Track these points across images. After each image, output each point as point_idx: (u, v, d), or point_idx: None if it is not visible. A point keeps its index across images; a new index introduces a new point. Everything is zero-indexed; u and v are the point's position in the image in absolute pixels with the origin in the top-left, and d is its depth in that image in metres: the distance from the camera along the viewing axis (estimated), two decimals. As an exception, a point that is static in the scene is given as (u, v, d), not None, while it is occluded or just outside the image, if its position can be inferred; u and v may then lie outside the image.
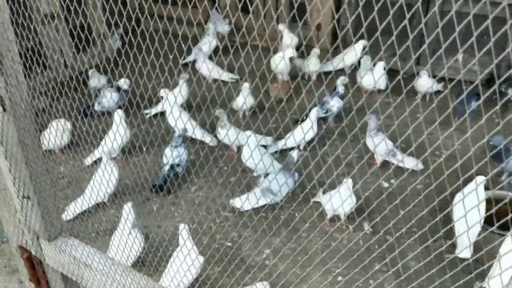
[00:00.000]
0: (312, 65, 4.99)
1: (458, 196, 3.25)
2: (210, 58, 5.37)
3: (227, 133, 4.04)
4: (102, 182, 3.34)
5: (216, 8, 6.07)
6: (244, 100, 4.37)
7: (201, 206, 3.69)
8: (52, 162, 4.06)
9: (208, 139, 4.30)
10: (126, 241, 2.79)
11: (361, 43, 5.01)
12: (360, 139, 3.75)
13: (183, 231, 2.90)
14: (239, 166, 4.00)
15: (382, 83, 4.69)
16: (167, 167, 3.84)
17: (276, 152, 4.13)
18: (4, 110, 1.04)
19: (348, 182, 3.31)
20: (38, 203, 1.18)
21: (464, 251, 3.02)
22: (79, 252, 1.19)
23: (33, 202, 1.17)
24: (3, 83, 1.02)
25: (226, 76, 5.13)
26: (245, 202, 3.52)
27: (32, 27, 1.81)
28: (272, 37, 5.72)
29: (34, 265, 1.29)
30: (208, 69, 4.92)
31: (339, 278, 3.18)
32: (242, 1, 5.91)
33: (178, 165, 3.85)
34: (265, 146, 4.16)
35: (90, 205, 3.55)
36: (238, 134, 3.78)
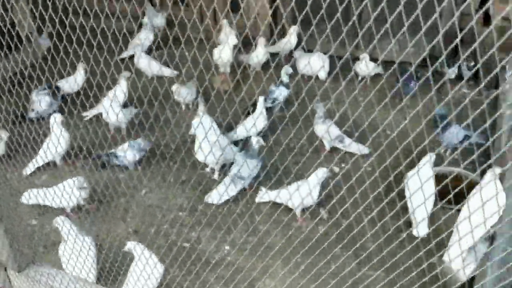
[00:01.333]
0: (261, 54, 4.96)
1: (409, 174, 3.34)
2: (149, 52, 5.21)
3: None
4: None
5: (150, 1, 5.88)
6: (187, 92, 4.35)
7: (154, 208, 3.56)
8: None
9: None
10: (80, 249, 2.63)
11: (293, 28, 5.09)
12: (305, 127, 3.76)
13: (136, 247, 2.76)
14: (188, 164, 3.90)
15: (322, 74, 4.76)
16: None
17: (235, 143, 4.06)
18: None
19: (319, 172, 3.31)
20: (5, 230, 1.08)
21: (420, 228, 3.11)
22: (57, 280, 1.09)
23: None
24: None
25: (166, 71, 4.98)
26: (222, 195, 3.47)
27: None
28: (208, 29, 5.62)
29: None
30: (147, 64, 4.78)
31: (302, 267, 3.17)
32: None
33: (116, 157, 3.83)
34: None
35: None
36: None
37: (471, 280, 2.72)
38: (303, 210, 3.47)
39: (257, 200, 3.50)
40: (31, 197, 3.47)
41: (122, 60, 5.22)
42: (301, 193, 3.14)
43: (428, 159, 3.26)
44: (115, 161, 3.83)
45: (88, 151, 3.60)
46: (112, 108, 3.92)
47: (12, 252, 1.09)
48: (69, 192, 3.22)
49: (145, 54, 5.02)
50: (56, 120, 3.77)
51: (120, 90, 4.33)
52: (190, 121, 3.94)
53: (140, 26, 5.61)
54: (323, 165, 3.84)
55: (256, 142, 3.57)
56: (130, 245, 2.77)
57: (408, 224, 3.27)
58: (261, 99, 4.14)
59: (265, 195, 3.46)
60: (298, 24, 4.99)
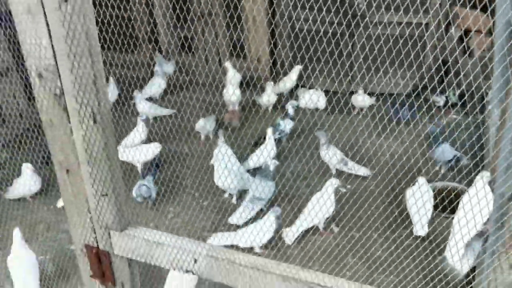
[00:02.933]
0: (272, 97, 5.50)
1: (408, 192, 3.79)
2: (164, 96, 5.76)
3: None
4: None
5: (159, 51, 6.43)
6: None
7: (182, 231, 3.94)
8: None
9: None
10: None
11: (297, 68, 5.61)
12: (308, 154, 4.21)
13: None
14: (210, 190, 4.31)
15: (322, 103, 5.31)
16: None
17: (248, 171, 4.45)
18: (95, 122, 1.32)
19: (331, 182, 3.71)
20: (115, 198, 1.44)
21: (420, 230, 3.54)
22: (150, 234, 1.47)
23: (110, 199, 1.42)
24: (96, 101, 1.30)
25: (164, 111, 5.48)
26: (241, 215, 3.86)
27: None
28: (215, 72, 6.16)
29: (101, 258, 1.54)
30: (147, 107, 5.34)
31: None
32: (182, 43, 6.35)
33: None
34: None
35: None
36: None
37: (471, 275, 3.10)
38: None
39: (288, 242, 3.75)
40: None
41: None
42: (321, 203, 3.53)
43: (421, 183, 3.73)
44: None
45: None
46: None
47: (117, 216, 1.47)
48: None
49: (144, 99, 5.50)
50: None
51: (138, 132, 4.79)
52: (209, 152, 4.38)
53: (152, 74, 6.13)
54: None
55: (272, 163, 3.98)
56: None
57: (411, 232, 3.67)
58: (269, 130, 4.59)
59: (289, 233, 3.72)
60: (300, 64, 5.57)
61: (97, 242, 1.48)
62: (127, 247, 1.45)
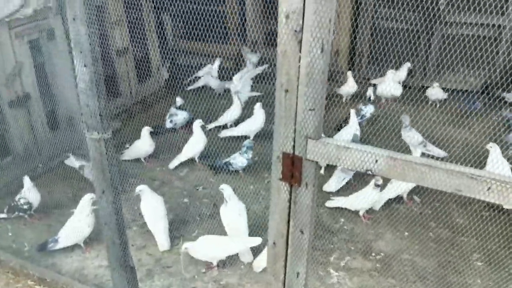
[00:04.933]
0: (353, 87, 5.99)
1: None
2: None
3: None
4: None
5: (245, 43, 7.06)
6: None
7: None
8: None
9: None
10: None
11: (407, 65, 6.05)
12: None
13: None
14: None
15: (398, 92, 5.78)
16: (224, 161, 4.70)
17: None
18: (322, 51, 1.83)
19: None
20: (319, 113, 1.93)
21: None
22: (340, 142, 1.96)
23: (316, 113, 1.90)
24: (328, 35, 1.83)
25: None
26: (334, 184, 4.48)
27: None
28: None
29: (294, 162, 2.03)
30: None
31: (406, 233, 3.99)
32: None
33: (231, 164, 4.68)
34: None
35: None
36: None
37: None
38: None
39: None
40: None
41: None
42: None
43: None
44: (230, 167, 4.74)
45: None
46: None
47: (318, 127, 1.92)
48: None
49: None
50: (197, 124, 4.80)
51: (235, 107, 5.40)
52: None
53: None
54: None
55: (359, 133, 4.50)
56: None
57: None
58: (352, 110, 5.07)
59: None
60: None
61: (293, 149, 1.98)
62: (319, 152, 1.91)
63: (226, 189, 3.80)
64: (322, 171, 4.77)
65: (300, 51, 1.83)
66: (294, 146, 1.97)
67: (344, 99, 6.16)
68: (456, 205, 4.23)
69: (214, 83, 6.35)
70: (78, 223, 3.66)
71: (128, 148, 4.97)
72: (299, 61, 1.86)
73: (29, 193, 3.96)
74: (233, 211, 3.77)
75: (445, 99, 5.92)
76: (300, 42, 1.84)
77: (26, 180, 3.97)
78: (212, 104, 5.97)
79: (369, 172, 1.88)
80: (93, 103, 2.41)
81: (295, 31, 1.83)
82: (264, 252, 3.63)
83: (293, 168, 2.00)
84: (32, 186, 3.98)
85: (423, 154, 4.93)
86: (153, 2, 5.85)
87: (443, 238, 3.88)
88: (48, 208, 4.21)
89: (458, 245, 3.80)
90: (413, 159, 1.79)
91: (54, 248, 3.72)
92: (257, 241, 3.57)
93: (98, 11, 4.24)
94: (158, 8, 6.31)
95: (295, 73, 1.89)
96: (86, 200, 3.62)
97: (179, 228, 4.06)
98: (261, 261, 3.60)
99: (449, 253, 3.71)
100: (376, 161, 1.84)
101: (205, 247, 3.48)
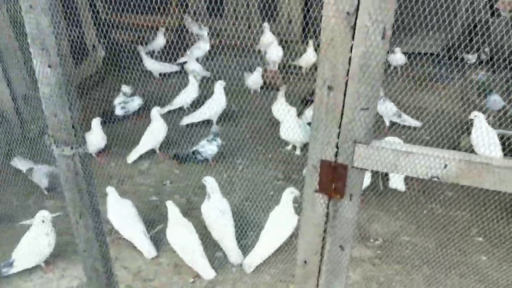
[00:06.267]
0: (311, 56, 5.64)
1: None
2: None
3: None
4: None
5: (188, 14, 6.44)
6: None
7: (255, 180, 4.10)
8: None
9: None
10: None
11: None
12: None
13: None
14: (272, 143, 4.47)
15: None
16: (191, 150, 4.26)
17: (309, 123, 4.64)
18: (383, 38, 1.43)
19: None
20: (373, 113, 1.55)
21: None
22: (398, 145, 1.60)
23: (369, 112, 1.53)
24: (391, 17, 1.41)
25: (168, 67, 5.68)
26: None
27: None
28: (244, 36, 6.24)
29: (338, 171, 1.66)
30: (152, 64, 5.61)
31: (399, 213, 3.78)
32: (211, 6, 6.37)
33: (199, 153, 4.24)
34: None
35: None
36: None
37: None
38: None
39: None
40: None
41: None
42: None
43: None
44: (199, 156, 4.27)
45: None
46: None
47: (370, 129, 1.57)
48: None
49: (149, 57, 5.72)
50: (155, 112, 4.24)
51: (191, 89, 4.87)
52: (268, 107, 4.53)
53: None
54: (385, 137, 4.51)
55: None
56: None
57: None
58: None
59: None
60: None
61: (336, 156, 1.60)
62: (370, 158, 1.56)
63: (209, 182, 3.35)
64: (298, 152, 4.44)
65: (352, 39, 1.43)
66: (337, 153, 1.61)
67: (304, 70, 5.81)
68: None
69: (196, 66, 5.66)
70: (35, 241, 3.06)
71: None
72: (351, 51, 1.45)
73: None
74: (217, 208, 3.34)
75: (406, 64, 5.76)
76: (353, 27, 1.42)
77: None
78: (161, 85, 5.39)
79: (435, 179, 1.56)
80: (63, 112, 1.85)
81: (347, 13, 1.41)
82: (255, 250, 3.27)
83: (334, 178, 1.65)
84: None
85: (397, 125, 4.74)
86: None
87: (436, 214, 3.71)
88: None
89: (453, 220, 3.64)
90: (491, 161, 1.48)
91: (8, 274, 3.11)
92: (211, 275, 3.17)
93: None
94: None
95: (344, 67, 1.49)
96: (46, 217, 3.02)
97: (150, 231, 3.56)
98: (252, 260, 3.23)
99: (447, 230, 3.53)
100: (445, 166, 1.52)
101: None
